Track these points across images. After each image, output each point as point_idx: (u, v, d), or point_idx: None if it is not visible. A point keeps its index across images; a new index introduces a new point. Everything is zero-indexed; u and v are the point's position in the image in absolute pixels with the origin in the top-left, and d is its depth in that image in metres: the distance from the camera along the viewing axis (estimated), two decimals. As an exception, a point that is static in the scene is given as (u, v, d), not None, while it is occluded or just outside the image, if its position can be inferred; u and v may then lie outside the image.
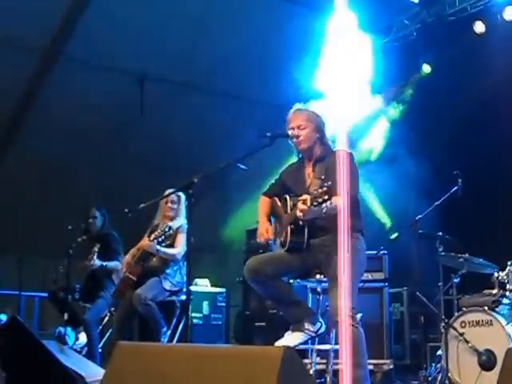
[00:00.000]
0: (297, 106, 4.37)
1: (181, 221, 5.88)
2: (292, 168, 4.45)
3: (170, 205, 5.95)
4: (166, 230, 5.58)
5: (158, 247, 5.66)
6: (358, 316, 4.03)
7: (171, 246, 5.80)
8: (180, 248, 5.76)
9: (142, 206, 4.31)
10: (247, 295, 7.15)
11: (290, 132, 4.22)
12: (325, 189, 3.64)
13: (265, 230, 4.29)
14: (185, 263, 5.59)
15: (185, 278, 5.14)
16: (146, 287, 5.60)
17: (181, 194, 5.77)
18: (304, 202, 3.72)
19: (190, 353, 2.71)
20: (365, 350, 3.80)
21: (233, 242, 8.55)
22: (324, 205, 3.64)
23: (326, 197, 3.62)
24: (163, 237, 5.60)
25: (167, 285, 5.73)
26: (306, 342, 4.20)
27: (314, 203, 3.65)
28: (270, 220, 4.40)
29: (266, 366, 2.41)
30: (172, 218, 5.95)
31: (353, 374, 3.41)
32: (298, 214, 3.81)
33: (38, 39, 7.54)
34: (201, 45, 7.84)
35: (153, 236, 5.65)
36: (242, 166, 4.03)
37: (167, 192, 5.70)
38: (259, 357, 2.49)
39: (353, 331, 3.73)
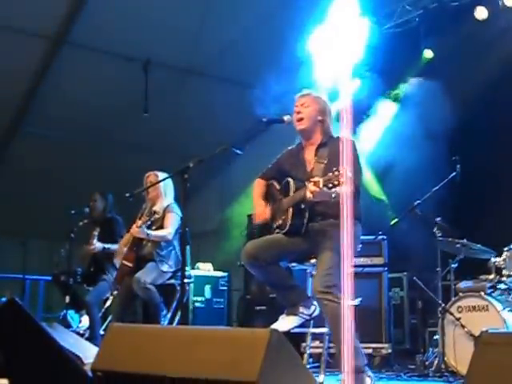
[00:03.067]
0: (305, 90, 4.35)
1: (167, 200, 5.93)
2: (290, 153, 4.41)
3: (149, 185, 5.99)
4: (152, 214, 5.64)
5: (149, 232, 5.71)
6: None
7: (161, 227, 5.84)
8: (170, 228, 5.80)
9: (135, 191, 4.34)
10: (248, 279, 7.19)
11: (295, 111, 4.19)
12: (341, 171, 3.58)
13: (263, 211, 4.29)
14: (179, 242, 5.71)
15: (181, 258, 5.08)
16: (146, 271, 5.66)
17: (159, 173, 5.82)
18: (316, 183, 3.66)
19: (178, 334, 2.76)
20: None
21: (235, 227, 8.58)
22: (338, 188, 3.59)
23: (342, 179, 3.57)
24: (150, 222, 5.66)
25: (165, 267, 5.77)
26: (301, 326, 4.24)
27: (329, 185, 3.59)
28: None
29: (252, 348, 2.43)
30: (154, 198, 5.98)
31: (342, 349, 3.48)
32: (308, 195, 3.77)
33: (43, 26, 7.57)
34: (205, 30, 7.82)
35: (140, 222, 5.70)
36: (237, 151, 4.04)
37: (147, 175, 5.82)
38: (246, 339, 2.51)
39: (334, 307, 3.72)
